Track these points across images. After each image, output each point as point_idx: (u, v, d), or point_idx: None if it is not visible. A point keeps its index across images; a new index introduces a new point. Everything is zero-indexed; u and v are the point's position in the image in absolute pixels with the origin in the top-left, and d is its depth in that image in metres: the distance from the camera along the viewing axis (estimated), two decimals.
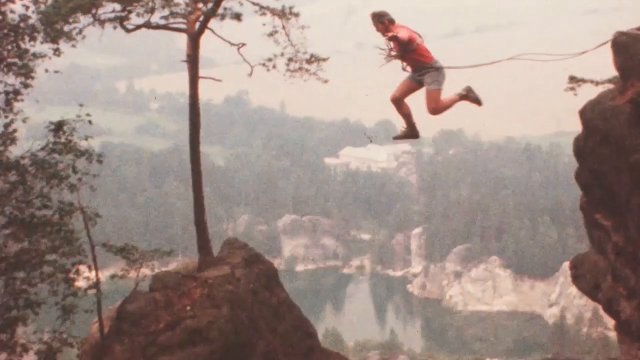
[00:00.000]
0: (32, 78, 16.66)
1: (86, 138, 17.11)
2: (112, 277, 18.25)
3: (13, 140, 16.28)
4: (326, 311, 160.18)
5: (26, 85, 16.57)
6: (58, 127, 16.73)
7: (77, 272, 17.02)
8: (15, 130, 16.33)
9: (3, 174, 15.97)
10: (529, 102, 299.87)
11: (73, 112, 17.33)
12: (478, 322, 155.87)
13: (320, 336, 17.69)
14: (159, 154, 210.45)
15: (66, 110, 19.02)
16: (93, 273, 17.17)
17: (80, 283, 17.29)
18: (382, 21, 14.69)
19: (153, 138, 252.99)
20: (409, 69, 15.09)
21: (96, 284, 16.86)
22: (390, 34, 14.32)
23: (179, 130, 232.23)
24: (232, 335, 13.28)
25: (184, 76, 20.22)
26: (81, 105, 17.04)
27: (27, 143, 16.71)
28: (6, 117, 16.27)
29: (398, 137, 16.18)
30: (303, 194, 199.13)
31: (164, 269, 18.64)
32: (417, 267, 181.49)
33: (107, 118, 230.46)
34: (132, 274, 18.03)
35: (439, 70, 14.86)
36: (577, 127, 22.31)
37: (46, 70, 16.92)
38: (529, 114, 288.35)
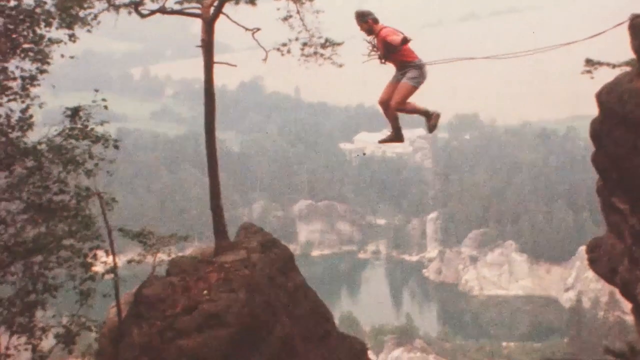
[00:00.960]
0: (48, 64, 16.69)
1: (102, 123, 17.14)
2: (129, 262, 18.31)
3: (30, 126, 16.33)
4: (342, 296, 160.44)
5: (42, 71, 16.60)
6: (74, 112, 16.77)
7: (95, 256, 17.11)
8: (31, 116, 16.38)
9: (20, 159, 16.03)
10: (545, 86, 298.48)
11: (88, 98, 17.36)
12: (494, 306, 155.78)
13: (336, 321, 17.73)
14: (175, 140, 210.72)
15: (81, 97, 19.06)
16: (110, 258, 17.25)
17: (98, 268, 17.38)
18: (365, 20, 14.83)
19: (168, 124, 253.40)
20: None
21: (113, 269, 16.94)
22: (390, 38, 14.37)
23: (194, 116, 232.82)
24: (249, 319, 13.32)
25: (199, 62, 20.19)
26: (96, 90, 17.10)
27: (43, 129, 16.76)
28: (22, 102, 16.31)
29: (383, 141, 16.26)
30: (318, 179, 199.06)
31: (180, 254, 18.66)
32: (432, 251, 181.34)
33: (122, 104, 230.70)
34: (149, 259, 18.10)
35: (420, 69, 14.95)
36: (593, 110, 22.21)
37: (62, 56, 16.94)
38: (545, 98, 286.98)
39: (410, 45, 14.83)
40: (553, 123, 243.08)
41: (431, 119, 15.49)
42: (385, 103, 15.41)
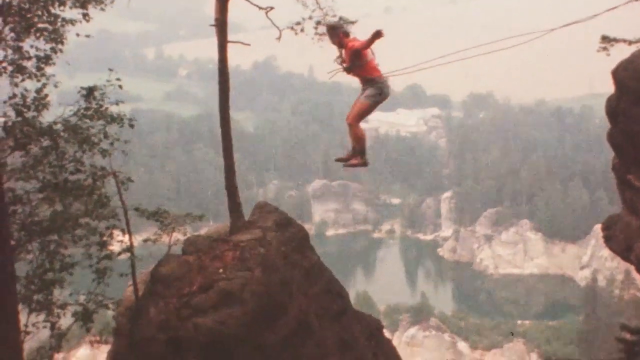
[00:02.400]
0: (62, 44, 16.72)
1: (117, 103, 17.18)
2: (145, 241, 18.39)
3: (45, 106, 16.37)
4: (357, 275, 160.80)
5: (56, 51, 16.62)
6: (89, 92, 16.80)
7: (111, 235, 17.20)
8: (47, 96, 16.41)
9: (36, 139, 16.09)
10: (560, 64, 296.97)
11: (102, 78, 17.38)
12: (509, 285, 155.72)
13: (351, 300, 17.77)
14: (189, 120, 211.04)
15: (96, 77, 19.10)
16: (126, 237, 17.34)
17: (114, 247, 17.48)
18: (337, 34, 14.90)
19: (182, 104, 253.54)
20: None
21: (130, 248, 17.04)
22: (353, 44, 14.47)
23: (208, 96, 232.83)
24: (265, 298, 13.38)
25: (213, 42, 20.15)
26: (111, 70, 17.12)
27: (58, 109, 16.81)
28: (38, 81, 16.36)
29: (340, 160, 16.08)
30: (332, 158, 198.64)
31: (195, 234, 18.73)
32: (447, 230, 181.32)
33: (136, 84, 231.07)
34: (165, 238, 18.20)
35: (381, 88, 14.98)
36: (609, 88, 22.09)
37: (77, 35, 16.97)
38: (560, 76, 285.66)
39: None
40: (568, 101, 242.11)
41: (356, 159, 15.44)
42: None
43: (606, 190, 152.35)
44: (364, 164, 15.37)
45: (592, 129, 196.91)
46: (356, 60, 14.81)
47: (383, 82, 15.17)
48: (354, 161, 15.42)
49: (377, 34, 14.12)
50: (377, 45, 14.63)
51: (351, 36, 15.10)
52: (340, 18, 21.95)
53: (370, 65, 15.06)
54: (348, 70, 15.21)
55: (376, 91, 15.13)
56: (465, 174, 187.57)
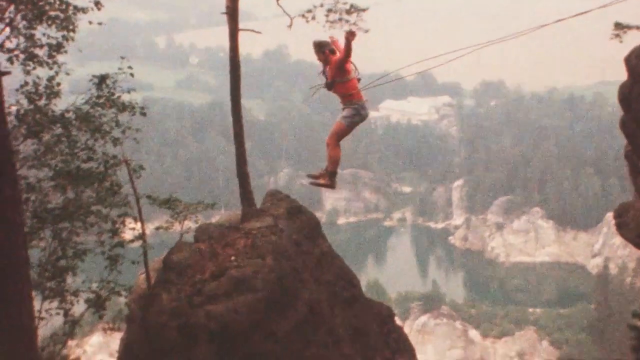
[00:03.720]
0: (74, 32, 16.74)
1: (129, 91, 17.21)
2: (157, 228, 18.46)
3: (57, 94, 16.42)
4: (368, 263, 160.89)
5: (67, 39, 16.64)
6: (101, 80, 16.83)
7: (123, 222, 17.27)
8: (59, 84, 16.46)
9: (48, 127, 16.15)
10: (572, 51, 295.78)
11: (113, 67, 17.40)
12: (520, 273, 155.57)
13: (362, 288, 17.80)
14: (200, 108, 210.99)
15: (107, 66, 19.14)
16: (138, 225, 17.40)
17: (126, 235, 17.54)
18: (323, 51, 14.95)
19: (194, 93, 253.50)
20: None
21: (142, 235, 17.10)
22: (335, 57, 14.82)
23: (220, 85, 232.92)
24: (276, 285, 13.42)
25: (224, 30, 20.11)
26: (122, 57, 17.15)
27: (70, 97, 16.85)
28: (50, 69, 16.40)
29: (310, 176, 16.00)
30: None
31: (207, 222, 18.76)
32: (458, 219, 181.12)
33: (147, 73, 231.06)
34: (176, 226, 18.25)
35: (358, 110, 15.01)
36: (622, 75, 22.00)
37: (90, 22, 16.99)
38: (573, 64, 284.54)
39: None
40: (580, 89, 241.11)
41: (324, 179, 15.41)
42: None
43: (618, 178, 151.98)
44: (332, 186, 15.34)
45: (604, 116, 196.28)
46: (340, 76, 14.90)
47: (360, 104, 15.20)
48: (321, 180, 15.41)
49: (350, 35, 14.18)
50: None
51: (337, 54, 15.14)
52: (352, 6, 21.92)
53: (351, 84, 15.18)
54: (330, 86, 15.27)
55: (353, 112, 15.19)
56: (477, 162, 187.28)
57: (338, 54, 15.00)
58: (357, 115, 15.25)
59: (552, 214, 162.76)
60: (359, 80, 15.53)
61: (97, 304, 16.83)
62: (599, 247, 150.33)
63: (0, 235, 6.16)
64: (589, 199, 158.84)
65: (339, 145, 15.53)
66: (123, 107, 17.13)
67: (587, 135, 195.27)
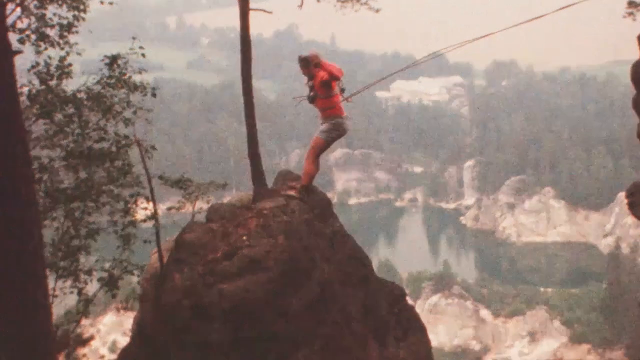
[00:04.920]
0: (85, 12, 16.73)
1: (140, 72, 17.20)
2: (169, 209, 18.51)
3: (68, 74, 16.42)
4: (379, 244, 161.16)
5: (78, 19, 16.62)
6: (112, 60, 16.83)
7: (135, 202, 17.33)
8: (70, 65, 16.47)
9: (60, 107, 16.18)
10: (585, 31, 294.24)
11: (124, 48, 17.39)
12: (531, 253, 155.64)
13: (374, 268, 17.84)
14: (211, 89, 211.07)
15: (117, 46, 19.14)
16: (150, 205, 17.45)
17: (139, 215, 17.61)
18: (308, 66, 14.92)
19: (204, 73, 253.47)
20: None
21: (154, 215, 17.15)
22: (321, 75, 14.80)
23: (230, 66, 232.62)
24: (288, 264, 13.47)
25: (234, 10, 20.02)
26: (134, 38, 17.13)
27: (81, 78, 16.86)
28: (61, 49, 16.40)
29: (288, 187, 15.96)
30: (355, 127, 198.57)
31: (219, 202, 18.78)
32: (470, 199, 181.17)
33: (158, 54, 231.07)
34: (188, 207, 18.29)
35: (335, 125, 15.00)
36: (635, 54, 21.85)
37: (101, 3, 16.97)
38: (585, 43, 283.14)
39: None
40: (593, 69, 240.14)
41: (295, 191, 15.40)
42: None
43: (630, 158, 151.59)
44: (301, 199, 15.33)
45: (616, 96, 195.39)
46: (324, 92, 14.97)
47: (339, 120, 15.19)
48: (291, 191, 15.43)
49: (333, 77, 14.64)
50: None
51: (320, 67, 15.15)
52: None
53: (332, 100, 15.14)
54: (312, 99, 15.30)
55: (331, 127, 15.19)
56: (488, 142, 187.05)
57: (322, 70, 14.97)
58: (334, 130, 15.29)
59: (564, 194, 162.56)
60: (342, 90, 15.54)
61: (110, 283, 16.95)
62: (611, 227, 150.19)
63: (14, 212, 6.20)
64: (600, 178, 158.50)
65: (317, 160, 15.54)
66: (134, 87, 17.13)
67: (599, 115, 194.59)
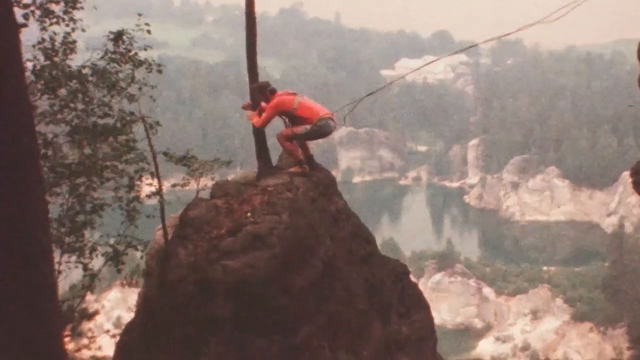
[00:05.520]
0: None
1: (145, 48, 17.17)
2: (173, 186, 18.52)
3: (73, 50, 16.42)
4: (383, 222, 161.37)
5: None
6: (117, 36, 16.81)
7: (140, 178, 17.36)
8: (75, 41, 16.46)
9: (65, 82, 16.19)
10: (591, 9, 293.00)
11: (129, 24, 17.37)
12: (535, 231, 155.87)
13: (377, 246, 17.88)
14: (216, 67, 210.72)
15: (122, 23, 19.11)
16: (155, 181, 17.50)
17: (144, 190, 17.65)
18: (263, 93, 14.90)
19: (209, 51, 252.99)
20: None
21: (158, 191, 17.21)
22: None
23: (235, 44, 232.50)
24: (292, 241, 13.50)
25: None
26: (140, 15, 17.10)
27: (85, 54, 16.85)
28: (66, 25, 16.37)
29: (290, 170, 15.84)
30: (359, 106, 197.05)
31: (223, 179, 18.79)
32: (474, 178, 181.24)
33: (162, 31, 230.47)
34: (192, 184, 18.31)
35: (317, 126, 14.89)
36: None
37: None
38: (591, 22, 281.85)
39: None
40: (599, 47, 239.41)
41: (294, 168, 15.33)
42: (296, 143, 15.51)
43: (635, 137, 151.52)
44: (303, 173, 15.26)
45: (622, 75, 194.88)
46: (285, 114, 15.07)
47: (319, 122, 15.06)
48: (292, 169, 15.40)
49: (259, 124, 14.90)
50: None
51: (277, 92, 15.15)
52: None
53: (301, 111, 15.00)
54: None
55: (314, 128, 15.08)
56: (493, 121, 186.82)
57: (278, 94, 14.98)
58: (316, 130, 15.17)
59: (568, 173, 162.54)
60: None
61: (114, 258, 17.03)
62: (615, 206, 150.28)
63: (20, 185, 6.22)
64: (605, 157, 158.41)
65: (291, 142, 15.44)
66: (139, 63, 17.11)
67: (604, 94, 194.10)
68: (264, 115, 14.97)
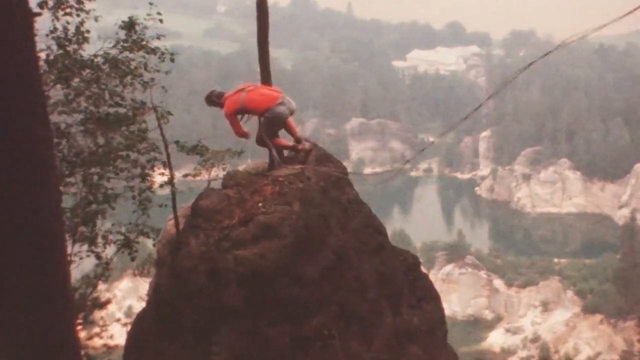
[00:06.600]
0: None
1: (158, 37, 17.20)
2: (185, 176, 18.54)
3: (85, 39, 16.46)
4: (394, 213, 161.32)
5: None
6: (130, 25, 16.83)
7: (152, 168, 17.41)
8: (88, 31, 16.50)
9: (78, 72, 16.24)
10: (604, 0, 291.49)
11: (141, 14, 17.41)
12: (546, 223, 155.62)
13: (388, 237, 17.87)
14: (228, 57, 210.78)
15: (134, 13, 19.13)
16: (167, 171, 17.53)
17: (156, 180, 17.71)
18: (212, 101, 14.87)
19: (221, 41, 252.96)
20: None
21: (170, 180, 17.24)
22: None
23: (247, 34, 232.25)
24: (303, 231, 13.52)
25: None
26: (151, 3, 17.12)
27: (98, 44, 16.88)
28: (78, 15, 16.40)
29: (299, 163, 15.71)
30: (371, 97, 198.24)
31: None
32: (485, 169, 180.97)
33: (175, 22, 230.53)
34: (204, 174, 18.33)
35: (271, 113, 14.71)
36: None
37: None
38: (605, 12, 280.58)
39: None
40: (612, 39, 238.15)
41: (298, 157, 15.24)
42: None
43: None
44: (304, 160, 15.19)
45: (635, 66, 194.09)
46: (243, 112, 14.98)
47: (268, 114, 14.95)
48: (299, 155, 15.33)
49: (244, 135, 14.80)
50: None
51: (225, 94, 15.12)
52: None
53: (251, 104, 14.79)
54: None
55: (265, 121, 14.99)
56: (505, 113, 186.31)
57: (225, 96, 14.94)
58: (271, 118, 15.04)
59: (580, 165, 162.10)
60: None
61: (126, 246, 17.11)
62: (627, 198, 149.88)
63: (33, 174, 6.26)
64: (617, 149, 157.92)
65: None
66: (152, 51, 17.13)
67: (617, 86, 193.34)
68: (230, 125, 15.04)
